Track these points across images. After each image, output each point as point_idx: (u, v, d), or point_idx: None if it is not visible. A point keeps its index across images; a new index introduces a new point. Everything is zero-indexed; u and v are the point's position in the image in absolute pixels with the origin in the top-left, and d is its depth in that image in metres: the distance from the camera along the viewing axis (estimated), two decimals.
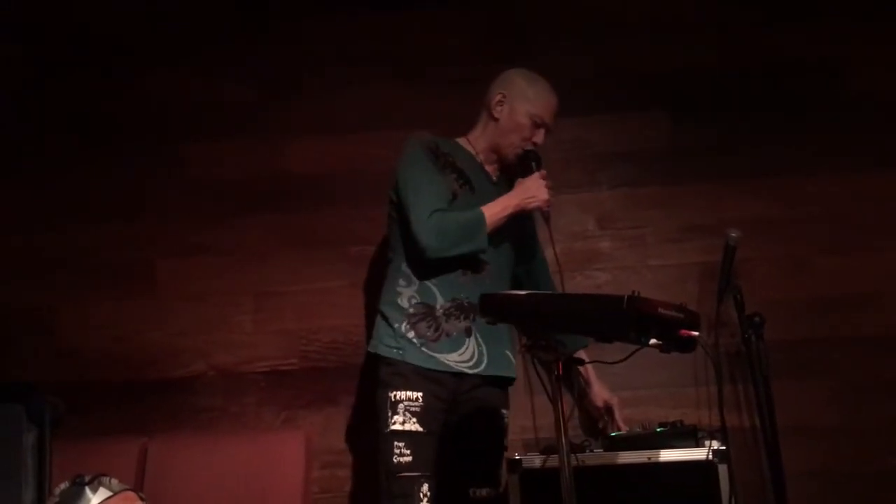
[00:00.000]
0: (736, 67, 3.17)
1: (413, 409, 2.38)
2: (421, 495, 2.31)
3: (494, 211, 2.48)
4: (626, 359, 2.20)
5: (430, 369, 2.42)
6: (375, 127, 3.17)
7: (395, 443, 2.35)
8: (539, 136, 2.61)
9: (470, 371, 2.47)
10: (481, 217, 2.45)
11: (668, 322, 1.97)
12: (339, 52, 3.27)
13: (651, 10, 3.22)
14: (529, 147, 2.60)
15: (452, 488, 2.49)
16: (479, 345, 2.49)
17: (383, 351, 2.47)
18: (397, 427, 2.36)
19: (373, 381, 2.51)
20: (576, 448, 2.57)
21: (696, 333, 2.01)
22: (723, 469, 2.50)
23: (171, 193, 3.22)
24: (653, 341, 1.99)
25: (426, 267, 2.47)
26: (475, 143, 2.67)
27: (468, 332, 2.49)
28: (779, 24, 3.18)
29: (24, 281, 3.18)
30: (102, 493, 2.50)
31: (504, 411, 2.61)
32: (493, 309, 2.15)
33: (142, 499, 2.47)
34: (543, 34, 3.23)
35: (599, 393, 2.81)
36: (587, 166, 3.16)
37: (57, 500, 2.48)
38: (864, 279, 3.01)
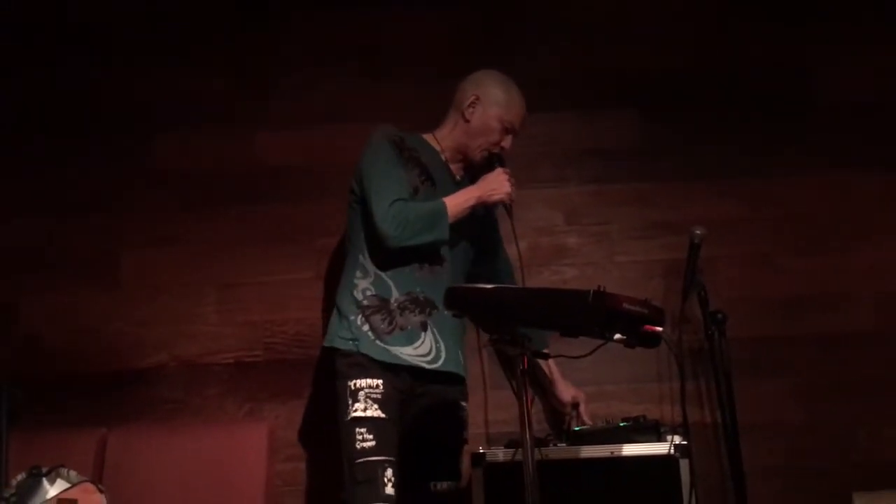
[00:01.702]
0: (704, 68, 3.20)
1: (374, 395, 2.36)
2: (385, 479, 2.29)
3: (456, 202, 2.47)
4: (590, 353, 2.21)
5: (385, 362, 2.41)
6: (344, 120, 3.16)
7: (358, 429, 2.33)
8: (507, 142, 2.62)
9: (428, 366, 2.46)
10: (443, 207, 2.44)
11: (633, 317, 1.99)
12: (309, 46, 3.25)
13: (622, 9, 3.24)
14: (495, 150, 2.61)
15: (412, 483, 2.46)
16: (436, 340, 2.48)
17: (339, 343, 2.45)
18: (359, 414, 2.35)
19: (332, 375, 2.47)
20: (539, 442, 2.58)
21: (660, 329, 2.03)
22: (684, 464, 2.52)
23: (136, 184, 3.19)
24: (617, 336, 2.01)
25: (383, 259, 2.46)
26: (442, 140, 2.66)
27: (423, 327, 2.47)
28: (747, 26, 3.22)
29: None
30: (60, 485, 2.47)
31: (463, 404, 2.61)
32: (458, 302, 2.15)
33: (100, 490, 2.45)
34: (515, 31, 3.23)
35: (565, 389, 2.82)
36: (556, 162, 3.17)
37: (13, 491, 2.45)
38: (827, 278, 3.06)
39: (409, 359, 2.43)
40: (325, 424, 2.89)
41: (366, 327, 2.44)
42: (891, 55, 3.18)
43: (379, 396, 2.37)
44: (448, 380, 2.52)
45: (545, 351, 2.44)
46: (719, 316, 2.82)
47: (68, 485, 2.48)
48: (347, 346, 2.44)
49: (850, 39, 3.20)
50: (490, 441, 2.91)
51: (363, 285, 2.47)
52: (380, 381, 2.38)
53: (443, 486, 2.49)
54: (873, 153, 3.12)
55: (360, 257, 2.50)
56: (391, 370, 2.41)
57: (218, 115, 3.22)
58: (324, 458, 2.96)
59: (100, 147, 3.20)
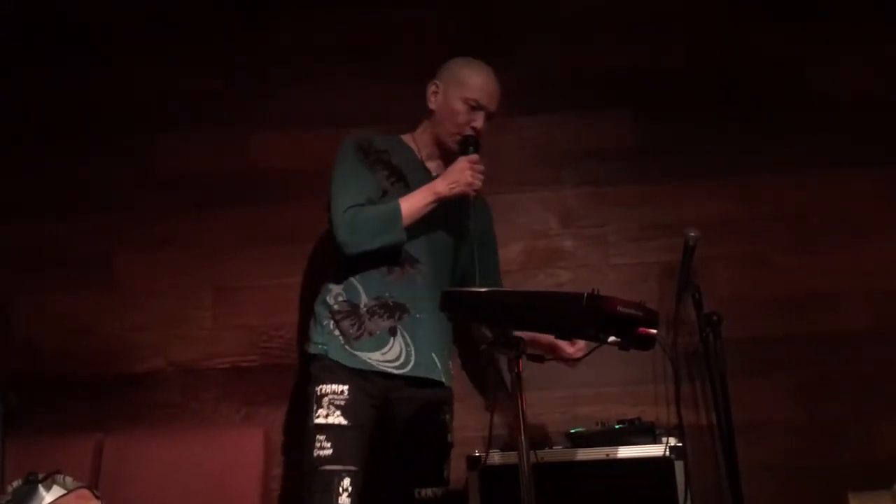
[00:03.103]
0: (699, 68, 3.20)
1: (337, 401, 2.33)
2: (341, 490, 2.25)
3: (412, 202, 2.41)
4: (585, 356, 2.22)
5: (352, 368, 2.39)
6: (341, 123, 3.15)
7: (317, 436, 2.31)
8: (478, 121, 2.53)
9: (396, 371, 2.42)
10: (396, 209, 2.39)
11: (628, 320, 1.99)
12: (306, 47, 3.25)
13: (616, 9, 3.24)
14: (468, 132, 2.53)
15: (398, 490, 2.44)
16: (406, 345, 2.44)
17: (311, 348, 2.46)
18: (320, 420, 2.33)
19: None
20: (535, 444, 2.58)
21: (654, 331, 2.03)
22: (679, 465, 2.53)
23: (132, 186, 3.19)
24: (612, 339, 2.01)
25: (351, 264, 2.43)
26: (419, 139, 2.63)
27: (392, 332, 2.44)
28: (741, 26, 3.22)
29: None
30: (56, 491, 2.47)
31: (445, 407, 2.56)
32: (452, 305, 2.15)
33: (97, 496, 2.44)
34: (510, 32, 3.24)
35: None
36: (550, 164, 3.17)
37: (9, 498, 2.44)
38: (821, 279, 3.06)
39: (376, 364, 2.40)
40: None
41: (336, 332, 2.42)
42: (888, 54, 3.18)
43: (343, 403, 2.34)
44: (427, 384, 2.48)
45: (539, 354, 2.43)
46: (714, 318, 2.82)
47: (64, 491, 2.47)
48: (318, 350, 2.44)
49: (848, 38, 3.20)
50: (494, 443, 2.90)
51: (336, 290, 2.46)
52: (345, 387, 2.35)
53: (427, 492, 2.45)
54: (869, 152, 3.12)
55: (334, 264, 2.49)
56: (360, 375, 2.38)
57: (214, 116, 3.22)
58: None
59: (96, 148, 3.20)
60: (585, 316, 1.91)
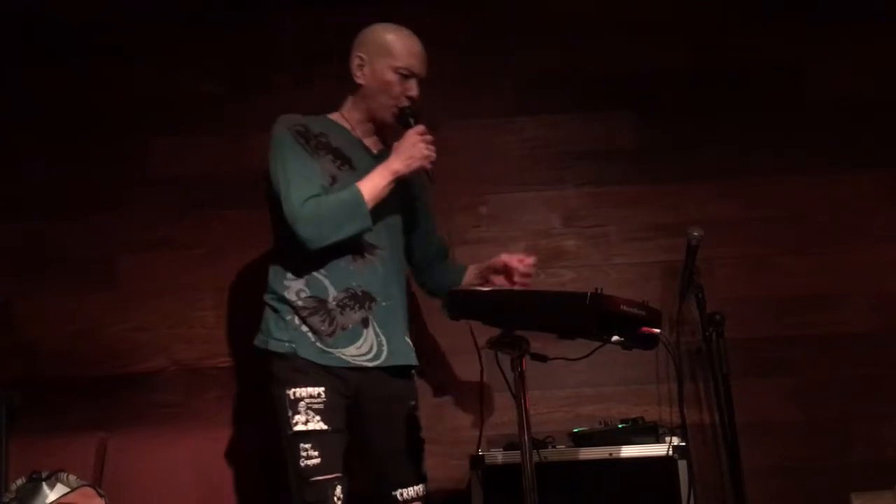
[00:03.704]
0: (700, 69, 3.20)
1: (315, 406, 2.21)
2: (335, 499, 2.17)
3: (373, 184, 2.27)
4: (588, 355, 2.22)
5: (326, 366, 2.26)
6: None
7: (301, 445, 2.18)
8: (412, 89, 2.39)
9: (370, 364, 2.30)
10: (357, 194, 2.25)
11: (631, 319, 1.99)
12: (305, 48, 3.25)
13: (618, 11, 3.24)
14: (404, 103, 2.39)
15: (377, 493, 2.36)
16: (377, 335, 2.32)
17: (274, 346, 2.28)
18: (301, 428, 2.19)
19: (265, 378, 2.31)
20: (538, 444, 2.59)
21: (657, 331, 2.03)
22: (682, 465, 2.53)
23: (133, 187, 3.19)
24: (615, 338, 2.01)
25: (313, 258, 2.27)
26: (349, 116, 2.46)
27: (365, 323, 2.31)
28: (742, 27, 3.22)
29: None
30: (60, 490, 2.48)
31: (412, 403, 2.43)
32: (456, 305, 2.16)
33: (100, 495, 2.45)
34: (512, 32, 3.24)
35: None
36: (553, 164, 3.17)
37: (13, 496, 2.45)
38: (824, 279, 3.06)
39: (351, 360, 2.28)
40: None
41: (304, 328, 2.28)
42: (889, 54, 3.18)
43: (321, 406, 2.21)
44: (395, 374, 2.37)
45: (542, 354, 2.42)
46: (717, 317, 2.82)
47: (68, 489, 2.49)
48: (284, 348, 2.27)
49: (848, 40, 3.19)
50: (488, 443, 2.91)
51: (296, 286, 2.30)
52: (321, 389, 2.23)
53: (409, 492, 2.34)
54: (870, 153, 3.12)
55: (289, 258, 2.32)
56: (333, 374, 2.26)
57: (215, 118, 3.22)
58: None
59: (98, 149, 3.20)
60: (589, 315, 1.91)
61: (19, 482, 2.48)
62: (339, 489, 2.19)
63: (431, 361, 3.03)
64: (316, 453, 2.18)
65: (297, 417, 2.20)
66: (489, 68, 3.21)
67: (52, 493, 2.45)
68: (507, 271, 2.43)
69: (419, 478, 2.38)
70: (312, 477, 2.18)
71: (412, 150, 2.30)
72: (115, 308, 3.12)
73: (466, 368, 2.98)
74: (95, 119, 3.23)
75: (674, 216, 3.09)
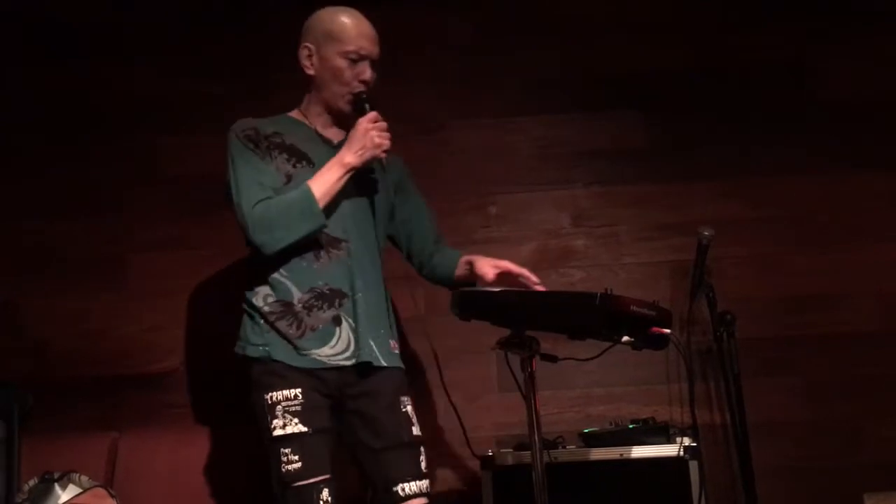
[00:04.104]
0: (708, 69, 3.19)
1: (293, 408, 2.15)
2: (321, 503, 2.10)
3: (323, 179, 2.21)
4: (598, 356, 2.22)
5: (301, 368, 2.20)
6: None
7: (282, 449, 2.12)
8: (365, 73, 2.29)
9: (348, 363, 2.23)
10: (307, 193, 2.18)
11: (641, 319, 1.99)
12: None
13: (626, 10, 3.23)
14: (358, 89, 2.30)
15: (375, 492, 2.27)
16: (352, 331, 2.24)
17: (251, 351, 2.24)
18: (279, 432, 2.13)
19: (245, 383, 2.28)
20: (548, 444, 2.59)
21: (667, 331, 2.03)
22: (693, 465, 2.53)
23: (144, 188, 3.20)
24: (625, 338, 2.01)
25: (275, 261, 2.22)
26: (306, 111, 2.39)
27: (336, 321, 2.23)
28: (750, 27, 3.21)
29: None
30: (72, 490, 2.49)
31: (403, 398, 2.31)
32: (466, 305, 2.16)
33: (112, 496, 2.46)
34: (516, 32, 3.23)
35: (486, 266, 2.37)
36: (562, 164, 3.17)
37: (26, 496, 2.46)
38: (834, 278, 3.05)
39: (326, 360, 2.21)
40: None
41: (273, 333, 2.23)
42: (894, 54, 3.16)
43: (298, 408, 2.15)
44: (377, 368, 2.27)
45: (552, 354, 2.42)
46: (727, 317, 2.81)
47: (80, 490, 2.50)
48: (259, 352, 2.22)
49: (857, 38, 3.18)
50: (499, 444, 2.91)
51: (263, 292, 2.25)
52: (298, 391, 2.16)
53: (412, 487, 2.23)
54: (879, 152, 3.11)
55: (254, 263, 2.28)
56: (311, 375, 2.20)
57: (224, 118, 3.18)
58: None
59: (106, 149, 3.21)
60: (599, 316, 1.91)
61: (31, 483, 2.50)
62: (325, 492, 2.11)
63: (441, 361, 3.03)
64: (297, 457, 2.11)
65: (275, 422, 2.15)
66: (497, 68, 3.20)
67: (64, 494, 2.46)
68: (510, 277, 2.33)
69: (419, 474, 2.26)
70: (295, 482, 2.11)
71: (363, 140, 2.22)
72: (125, 308, 3.13)
73: (476, 368, 2.99)
74: (101, 119, 3.24)
75: (683, 215, 3.09)
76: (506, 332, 2.14)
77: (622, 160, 3.15)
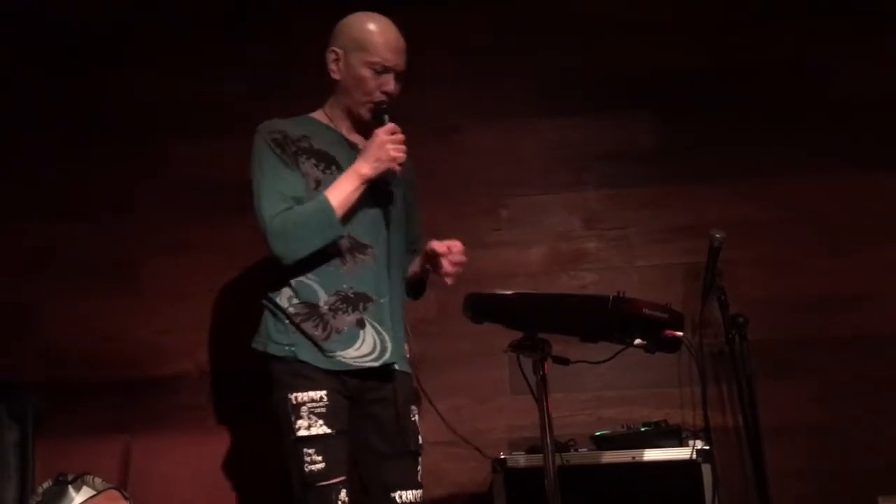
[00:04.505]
0: (721, 69, 3.18)
1: (318, 410, 2.17)
2: (340, 503, 2.15)
3: (340, 189, 2.23)
4: (611, 359, 2.22)
5: (326, 370, 2.22)
6: None
7: (305, 450, 2.15)
8: (389, 84, 2.32)
9: (376, 364, 2.25)
10: (325, 203, 2.20)
11: (653, 322, 1.99)
12: (323, 52, 3.24)
13: (638, 11, 3.23)
14: (379, 98, 2.32)
15: (372, 496, 2.30)
16: (377, 333, 2.27)
17: (274, 350, 2.25)
18: (303, 433, 2.16)
19: (262, 381, 2.30)
20: (560, 447, 2.58)
21: (680, 334, 2.03)
22: (706, 468, 2.52)
23: (157, 192, 3.21)
24: (637, 341, 2.01)
25: (300, 264, 2.23)
26: (331, 113, 2.41)
27: (360, 324, 2.26)
28: (763, 27, 3.20)
29: (7, 278, 3.17)
30: (86, 492, 2.50)
31: (413, 407, 2.37)
32: (478, 308, 2.16)
33: (125, 498, 2.47)
34: (527, 34, 3.23)
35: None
36: (573, 167, 3.17)
37: (40, 499, 2.48)
38: (848, 280, 3.03)
39: (352, 362, 2.24)
40: None
41: (299, 334, 2.24)
42: None
43: (324, 410, 2.18)
44: (392, 375, 2.31)
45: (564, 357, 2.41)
46: (740, 319, 2.81)
47: (94, 492, 2.51)
48: (284, 351, 2.24)
49: (871, 38, 3.16)
50: (511, 446, 2.91)
51: (287, 293, 2.26)
52: (323, 393, 2.19)
53: (408, 496, 2.28)
54: (894, 153, 3.09)
55: (277, 265, 2.27)
56: (334, 377, 2.23)
57: (238, 122, 3.20)
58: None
59: (123, 153, 3.23)
60: (611, 318, 1.91)
61: (45, 485, 2.51)
62: (343, 493, 2.16)
63: (452, 364, 3.04)
64: (320, 458, 2.14)
65: (299, 422, 2.17)
66: (509, 70, 3.20)
67: (77, 496, 2.47)
68: (435, 259, 2.33)
69: (416, 484, 2.31)
70: (317, 483, 2.14)
71: (379, 153, 2.25)
72: (139, 311, 3.15)
73: (489, 371, 2.99)
74: (120, 123, 3.25)
75: (695, 217, 3.08)
76: (518, 334, 2.14)
77: (633, 162, 3.15)
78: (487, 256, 3.08)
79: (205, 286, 3.14)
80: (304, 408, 2.18)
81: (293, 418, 2.18)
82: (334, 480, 2.15)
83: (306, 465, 2.15)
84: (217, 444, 2.86)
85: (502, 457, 2.64)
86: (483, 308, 2.18)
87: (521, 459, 2.61)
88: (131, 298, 3.15)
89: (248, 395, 3.06)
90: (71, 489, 2.50)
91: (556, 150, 3.17)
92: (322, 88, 3.17)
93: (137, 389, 3.09)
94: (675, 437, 2.64)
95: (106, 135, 3.25)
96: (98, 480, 2.54)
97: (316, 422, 2.17)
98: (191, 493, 2.75)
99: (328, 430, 2.17)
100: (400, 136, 2.28)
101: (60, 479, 2.51)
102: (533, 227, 3.14)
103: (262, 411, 3.04)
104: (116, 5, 3.31)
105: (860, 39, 3.17)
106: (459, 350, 3.02)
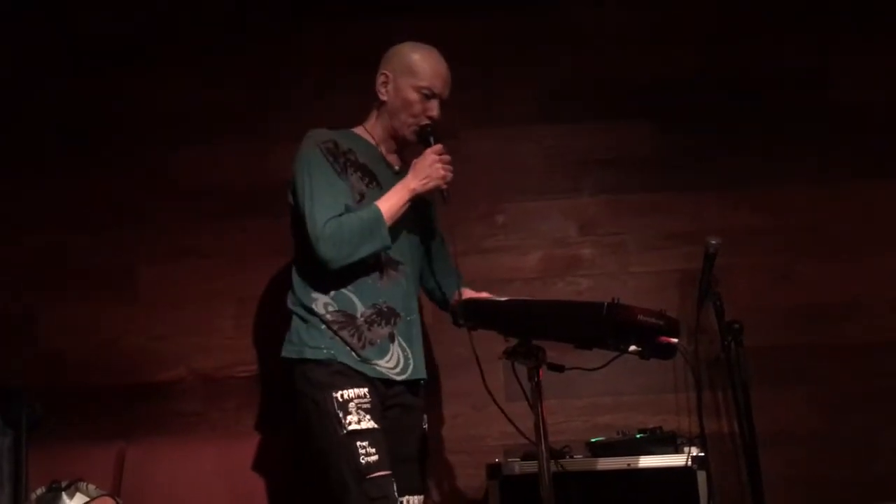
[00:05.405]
0: (718, 77, 3.19)
1: (364, 405, 2.23)
2: (395, 495, 2.20)
3: (391, 202, 2.32)
4: (605, 365, 2.21)
5: (364, 374, 2.29)
6: None
7: (359, 443, 2.19)
8: (433, 109, 2.42)
9: (398, 378, 2.35)
10: (377, 214, 2.28)
11: (648, 329, 1.99)
12: (327, 60, 3.26)
13: (635, 19, 3.24)
14: (424, 122, 2.42)
15: None
16: (402, 349, 2.37)
17: (311, 354, 2.29)
18: (355, 427, 2.20)
19: (292, 388, 2.31)
20: (555, 454, 2.58)
21: (675, 340, 2.03)
22: (701, 475, 2.51)
23: (153, 198, 3.21)
24: (632, 348, 2.01)
25: (340, 274, 2.30)
26: (372, 131, 2.50)
27: (391, 338, 2.35)
28: (760, 36, 3.21)
29: (3, 285, 3.16)
30: (79, 499, 2.49)
31: (424, 416, 2.49)
32: (473, 315, 2.16)
33: None
34: (526, 42, 3.24)
35: None
36: (570, 173, 3.17)
37: None
38: (843, 288, 3.04)
39: (385, 371, 2.32)
40: None
41: (337, 339, 2.30)
42: None
43: (369, 406, 2.24)
44: (413, 387, 2.42)
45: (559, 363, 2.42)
46: (735, 326, 2.81)
47: (87, 498, 2.50)
48: (323, 354, 2.28)
49: (870, 47, 3.17)
50: (506, 453, 2.90)
51: (323, 300, 2.32)
52: (365, 390, 2.26)
53: (414, 500, 2.37)
54: (890, 162, 3.10)
55: (313, 272, 2.33)
56: (370, 381, 2.30)
57: (234, 128, 3.24)
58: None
59: (119, 161, 3.22)
60: (606, 325, 1.91)
61: (39, 491, 2.50)
62: (394, 485, 2.21)
63: (448, 371, 3.04)
64: (374, 450, 2.20)
65: (349, 417, 2.21)
66: (508, 78, 3.21)
67: (71, 503, 2.46)
68: None
69: (420, 489, 2.43)
70: (373, 473, 2.18)
71: (429, 171, 2.35)
72: (136, 318, 3.14)
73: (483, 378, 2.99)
74: (117, 131, 3.25)
75: (691, 224, 3.08)
76: (513, 341, 2.14)
77: (630, 169, 3.15)
78: (483, 262, 3.08)
79: (200, 293, 3.14)
80: (351, 404, 2.23)
81: (342, 414, 2.22)
82: (387, 472, 2.20)
83: (361, 457, 2.18)
84: (211, 451, 2.86)
85: (497, 463, 2.63)
86: (477, 315, 2.18)
87: (516, 466, 2.61)
88: (128, 305, 3.15)
89: (243, 401, 3.07)
90: (64, 496, 2.49)
91: (553, 156, 3.18)
92: (325, 94, 3.22)
93: (133, 396, 3.09)
94: (670, 443, 2.63)
95: (101, 141, 3.24)
96: (92, 487, 2.53)
97: (364, 416, 2.22)
98: (184, 499, 2.75)
99: (376, 425, 2.23)
100: (447, 157, 2.38)
101: (54, 485, 2.50)
102: (529, 232, 3.14)
103: (257, 418, 3.07)
104: (115, 11, 3.31)
105: (858, 49, 3.18)
106: (454, 356, 3.02)
